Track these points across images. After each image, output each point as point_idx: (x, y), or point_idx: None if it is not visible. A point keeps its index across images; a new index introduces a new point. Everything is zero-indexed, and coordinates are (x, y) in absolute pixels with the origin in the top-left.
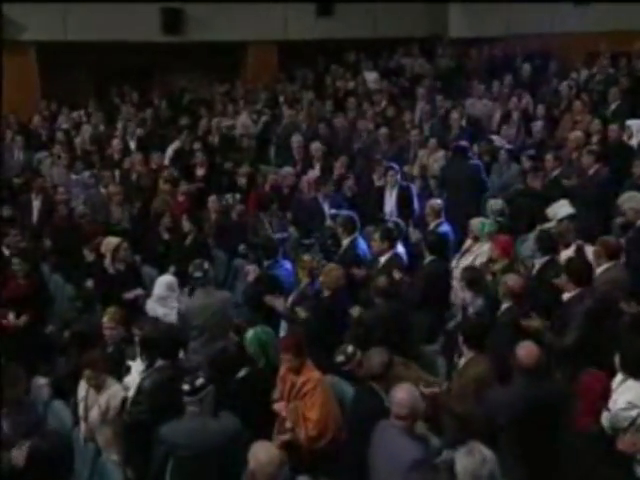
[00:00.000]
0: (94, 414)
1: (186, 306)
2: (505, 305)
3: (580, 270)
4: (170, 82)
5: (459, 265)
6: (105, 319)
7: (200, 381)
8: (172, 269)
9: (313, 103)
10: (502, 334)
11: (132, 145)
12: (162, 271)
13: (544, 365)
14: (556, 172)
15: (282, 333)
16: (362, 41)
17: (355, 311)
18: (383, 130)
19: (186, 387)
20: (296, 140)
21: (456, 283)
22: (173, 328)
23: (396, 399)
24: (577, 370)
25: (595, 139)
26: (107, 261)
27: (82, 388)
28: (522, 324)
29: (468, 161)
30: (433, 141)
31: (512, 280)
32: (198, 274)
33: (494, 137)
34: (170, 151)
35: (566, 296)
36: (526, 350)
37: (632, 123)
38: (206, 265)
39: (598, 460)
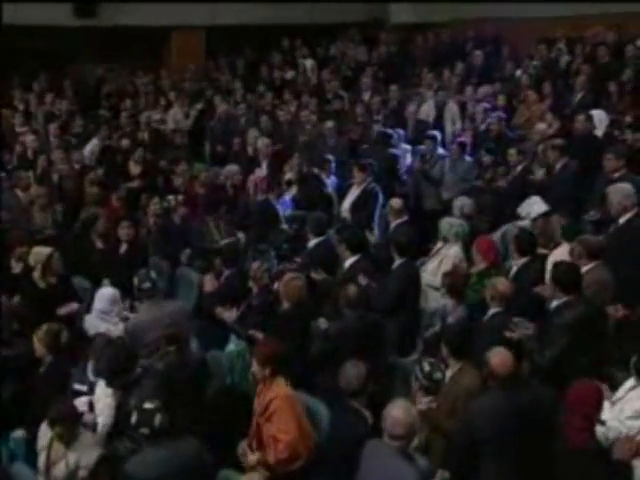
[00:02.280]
0: (60, 470)
1: (134, 322)
2: (493, 310)
3: (568, 276)
4: (83, 71)
5: (427, 268)
6: (34, 339)
7: (158, 420)
8: (106, 281)
9: (246, 96)
10: (491, 341)
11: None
12: (95, 283)
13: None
14: (520, 167)
15: (232, 347)
16: (298, 27)
17: (321, 323)
18: (329, 124)
19: (145, 431)
20: (253, 136)
21: (425, 287)
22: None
23: (391, 417)
24: (561, 384)
25: (552, 131)
26: (37, 274)
27: (44, 435)
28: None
29: (387, 149)
30: (395, 136)
31: (501, 284)
32: (146, 285)
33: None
34: (90, 148)
35: (554, 304)
36: (499, 358)
37: (594, 113)
38: (153, 275)
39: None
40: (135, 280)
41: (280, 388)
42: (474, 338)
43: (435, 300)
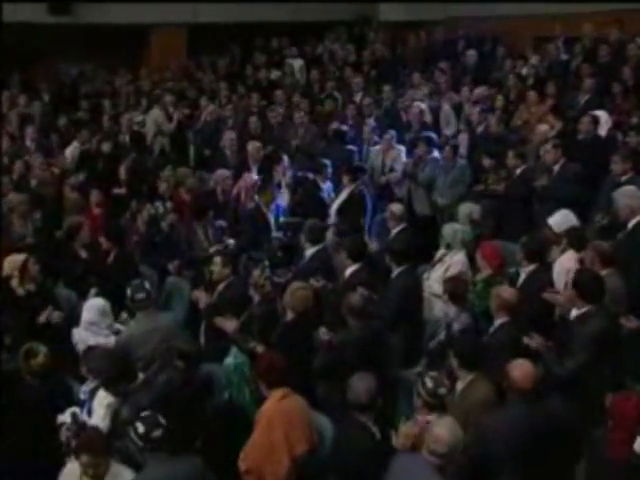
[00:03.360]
0: None
1: (127, 334)
2: (500, 320)
3: (592, 285)
4: (58, 71)
5: (430, 277)
6: None
7: (157, 433)
8: (93, 291)
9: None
10: (500, 353)
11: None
12: (79, 293)
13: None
14: (520, 170)
15: (229, 360)
16: (284, 25)
17: (323, 334)
18: (334, 125)
19: (144, 446)
20: (228, 138)
21: (429, 296)
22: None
23: (434, 435)
24: (582, 397)
25: (553, 132)
26: (15, 281)
27: (71, 475)
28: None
29: (343, 146)
30: (388, 137)
31: (507, 292)
32: (141, 296)
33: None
34: (69, 152)
35: (574, 313)
36: (521, 370)
37: (599, 114)
38: (147, 285)
39: None
40: (128, 290)
41: (269, 402)
42: (484, 349)
43: (441, 309)
